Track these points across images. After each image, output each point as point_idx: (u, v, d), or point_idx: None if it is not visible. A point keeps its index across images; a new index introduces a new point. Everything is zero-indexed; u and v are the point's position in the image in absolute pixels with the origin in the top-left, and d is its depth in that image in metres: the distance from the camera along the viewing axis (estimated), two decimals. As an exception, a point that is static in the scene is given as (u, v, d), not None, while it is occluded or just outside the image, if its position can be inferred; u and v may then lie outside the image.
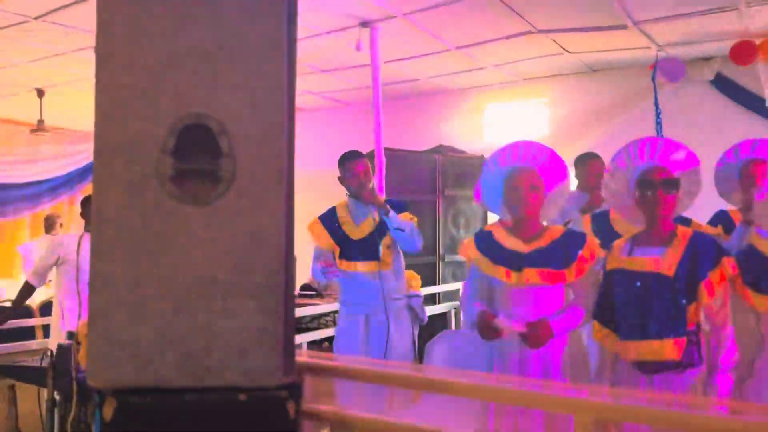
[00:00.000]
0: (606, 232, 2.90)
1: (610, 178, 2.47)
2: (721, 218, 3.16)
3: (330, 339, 4.38)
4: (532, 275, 2.43)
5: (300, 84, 1.43)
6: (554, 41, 5.34)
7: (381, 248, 3.42)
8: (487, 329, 2.42)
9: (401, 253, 3.55)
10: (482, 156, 5.95)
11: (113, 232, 1.21)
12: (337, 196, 3.64)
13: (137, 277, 1.20)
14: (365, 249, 3.44)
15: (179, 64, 1.23)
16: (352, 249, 3.47)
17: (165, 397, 1.20)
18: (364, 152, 3.61)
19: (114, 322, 1.20)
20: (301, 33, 1.58)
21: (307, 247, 3.36)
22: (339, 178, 3.49)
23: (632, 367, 2.28)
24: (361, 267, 3.45)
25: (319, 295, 5.04)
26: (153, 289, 1.20)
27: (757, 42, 5.08)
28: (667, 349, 2.20)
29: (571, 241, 2.50)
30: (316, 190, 4.49)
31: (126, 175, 1.21)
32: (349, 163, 3.41)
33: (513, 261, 2.47)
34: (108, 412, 1.19)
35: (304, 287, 5.21)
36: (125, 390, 1.20)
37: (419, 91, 7.05)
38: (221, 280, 1.21)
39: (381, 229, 3.43)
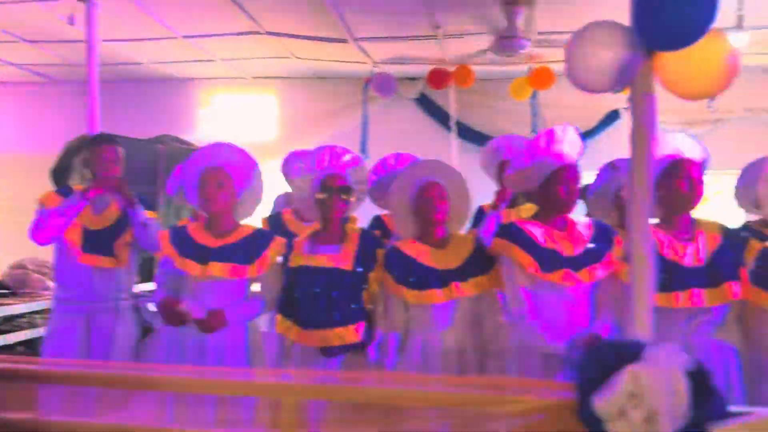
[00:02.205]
0: (280, 233, 3.16)
1: (301, 181, 2.75)
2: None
3: (26, 342, 3.95)
4: (216, 269, 2.58)
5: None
6: (283, 44, 5.53)
7: (118, 243, 3.19)
8: (171, 314, 2.50)
9: (138, 251, 3.35)
10: (208, 150, 5.89)
11: None
12: (42, 184, 3.30)
13: None
14: (100, 242, 3.17)
15: None
16: (86, 240, 3.16)
17: None
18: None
19: None
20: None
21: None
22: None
23: (315, 352, 2.54)
24: (92, 261, 3.13)
25: (14, 293, 4.49)
26: None
27: (451, 69, 5.91)
28: (350, 333, 2.51)
29: (260, 238, 2.70)
30: (12, 177, 3.99)
31: None
32: (99, 148, 3.14)
33: (201, 255, 2.60)
34: None
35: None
36: None
37: (142, 76, 6.68)
38: None
39: (121, 222, 3.22)
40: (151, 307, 4.59)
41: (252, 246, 2.67)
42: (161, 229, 2.95)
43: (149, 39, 5.49)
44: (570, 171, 2.43)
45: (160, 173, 5.76)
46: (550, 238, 2.44)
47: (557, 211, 2.47)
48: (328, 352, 2.54)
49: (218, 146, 2.73)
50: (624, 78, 1.39)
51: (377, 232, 3.48)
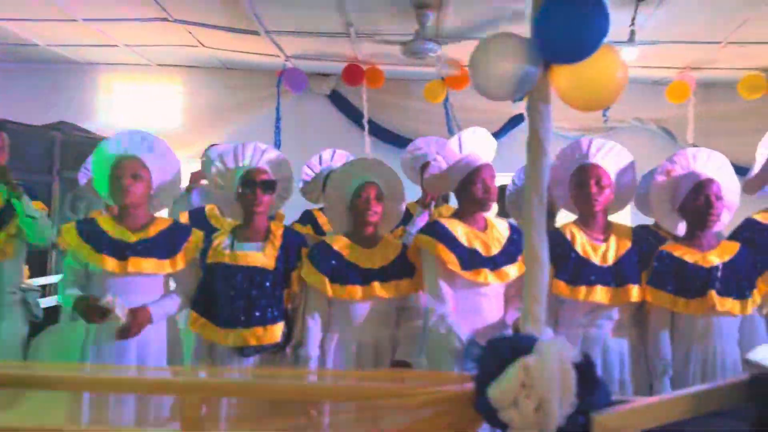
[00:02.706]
0: (203, 227, 3.12)
1: (219, 176, 2.70)
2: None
3: None
4: (136, 264, 2.49)
5: None
6: (190, 33, 5.38)
7: (1, 236, 2.98)
8: (91, 311, 2.39)
9: (25, 244, 3.15)
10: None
11: None
12: None
13: None
14: None
15: None
16: None
17: None
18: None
19: None
20: None
21: None
22: None
23: (233, 351, 2.50)
24: None
25: None
26: None
27: (364, 68, 5.96)
28: (269, 333, 2.48)
29: (177, 232, 2.62)
30: None
31: None
32: None
33: (117, 250, 2.49)
34: None
35: None
36: None
37: (38, 58, 6.29)
38: None
39: (4, 214, 3.00)
40: (49, 301, 4.36)
41: (171, 240, 2.58)
42: (57, 222, 2.81)
43: (44, 20, 5.17)
44: (486, 170, 2.55)
45: (56, 162, 5.46)
46: (471, 237, 2.54)
47: (475, 210, 2.58)
48: (245, 351, 2.49)
49: (134, 134, 2.60)
50: (523, 88, 1.48)
51: (308, 227, 3.51)
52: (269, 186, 2.59)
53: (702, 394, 1.29)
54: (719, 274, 2.47)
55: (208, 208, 3.65)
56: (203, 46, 5.74)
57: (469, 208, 2.60)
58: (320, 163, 3.63)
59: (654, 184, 2.69)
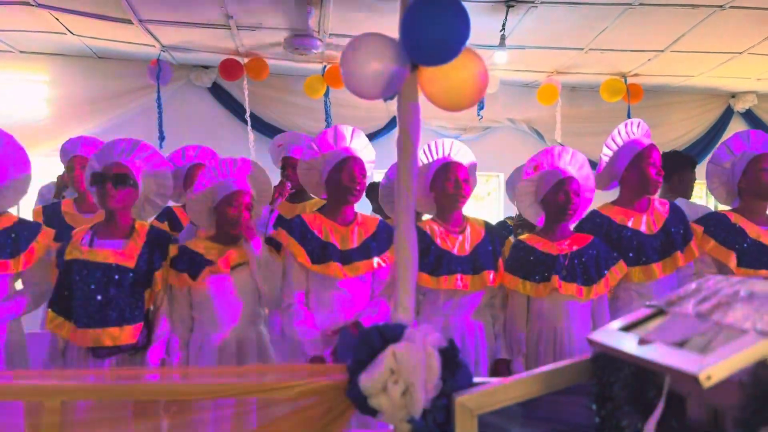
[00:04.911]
0: (58, 225, 2.98)
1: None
2: None
3: None
4: None
5: None
6: (57, 20, 5.04)
7: None
8: None
9: None
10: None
11: None
12: None
13: None
14: None
15: None
16: None
17: None
18: None
19: None
20: None
21: None
22: None
23: (87, 353, 2.41)
24: None
25: None
26: None
27: (245, 61, 5.87)
28: (125, 334, 2.41)
29: (24, 230, 2.51)
30: None
31: None
32: None
33: None
34: None
35: None
36: None
37: None
38: None
39: None
40: None
41: (14, 239, 2.44)
42: None
43: None
44: (356, 162, 2.62)
45: None
46: (327, 231, 2.60)
47: (341, 201, 2.64)
48: (99, 353, 2.40)
49: None
50: (392, 88, 1.54)
51: (164, 224, 3.38)
52: (121, 180, 2.47)
53: (552, 373, 1.40)
54: (566, 262, 2.69)
55: (64, 203, 3.47)
56: (72, 33, 5.40)
57: (336, 200, 2.67)
58: (183, 159, 3.49)
59: (520, 178, 2.89)
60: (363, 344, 1.47)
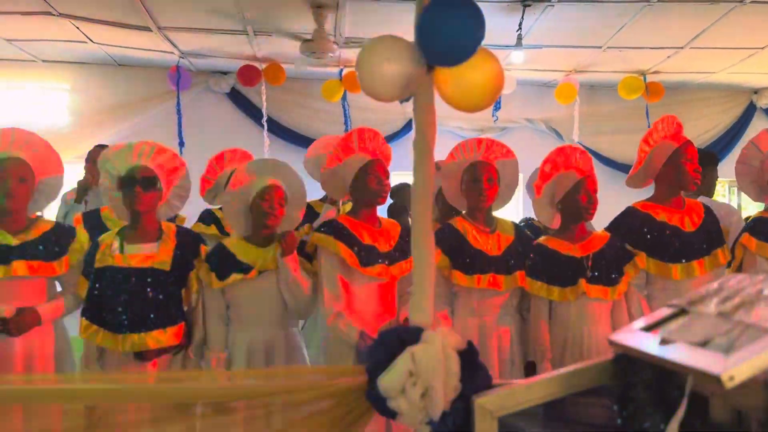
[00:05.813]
0: (98, 228, 3.01)
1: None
2: None
3: None
4: (21, 268, 2.39)
5: None
6: (78, 28, 5.12)
7: None
8: None
9: None
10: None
11: None
12: None
13: None
14: None
15: None
16: None
17: None
18: None
19: None
20: None
21: None
22: None
23: (128, 356, 2.43)
24: None
25: None
26: None
27: (263, 66, 5.91)
28: (169, 336, 2.43)
29: (62, 234, 2.53)
30: None
31: None
32: None
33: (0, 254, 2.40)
34: None
35: None
36: None
37: None
38: None
39: None
40: None
41: (54, 242, 2.47)
42: None
43: None
44: (379, 165, 2.62)
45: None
46: (367, 234, 2.61)
47: (369, 204, 2.65)
48: (143, 356, 2.42)
49: (18, 133, 2.46)
50: (408, 90, 1.54)
51: (212, 227, 3.46)
52: (150, 183, 2.48)
53: (573, 375, 1.39)
54: (589, 263, 2.67)
55: (104, 209, 3.50)
56: (92, 42, 5.48)
57: (364, 204, 2.67)
58: (225, 162, 3.57)
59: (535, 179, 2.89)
60: (381, 346, 1.48)
